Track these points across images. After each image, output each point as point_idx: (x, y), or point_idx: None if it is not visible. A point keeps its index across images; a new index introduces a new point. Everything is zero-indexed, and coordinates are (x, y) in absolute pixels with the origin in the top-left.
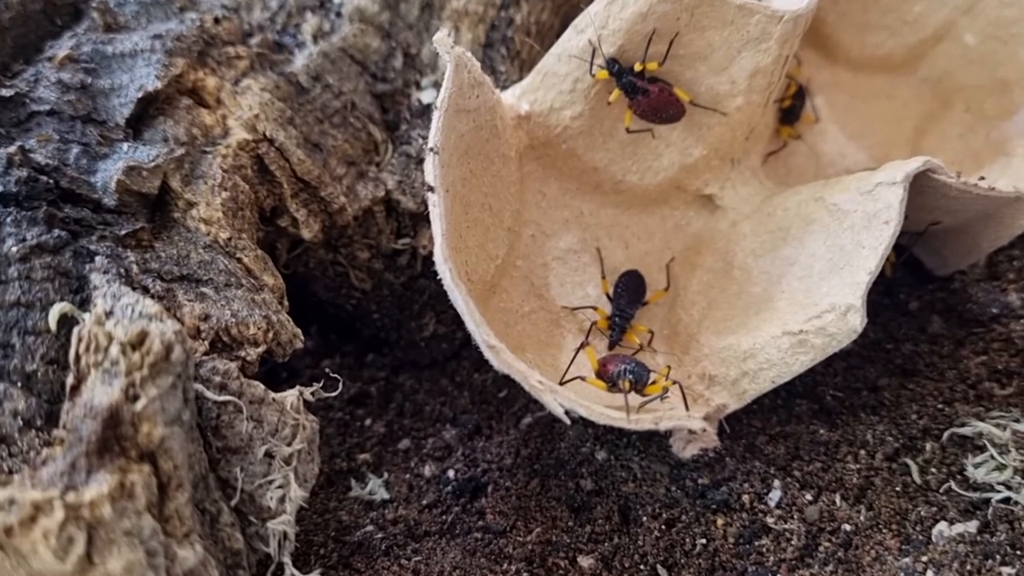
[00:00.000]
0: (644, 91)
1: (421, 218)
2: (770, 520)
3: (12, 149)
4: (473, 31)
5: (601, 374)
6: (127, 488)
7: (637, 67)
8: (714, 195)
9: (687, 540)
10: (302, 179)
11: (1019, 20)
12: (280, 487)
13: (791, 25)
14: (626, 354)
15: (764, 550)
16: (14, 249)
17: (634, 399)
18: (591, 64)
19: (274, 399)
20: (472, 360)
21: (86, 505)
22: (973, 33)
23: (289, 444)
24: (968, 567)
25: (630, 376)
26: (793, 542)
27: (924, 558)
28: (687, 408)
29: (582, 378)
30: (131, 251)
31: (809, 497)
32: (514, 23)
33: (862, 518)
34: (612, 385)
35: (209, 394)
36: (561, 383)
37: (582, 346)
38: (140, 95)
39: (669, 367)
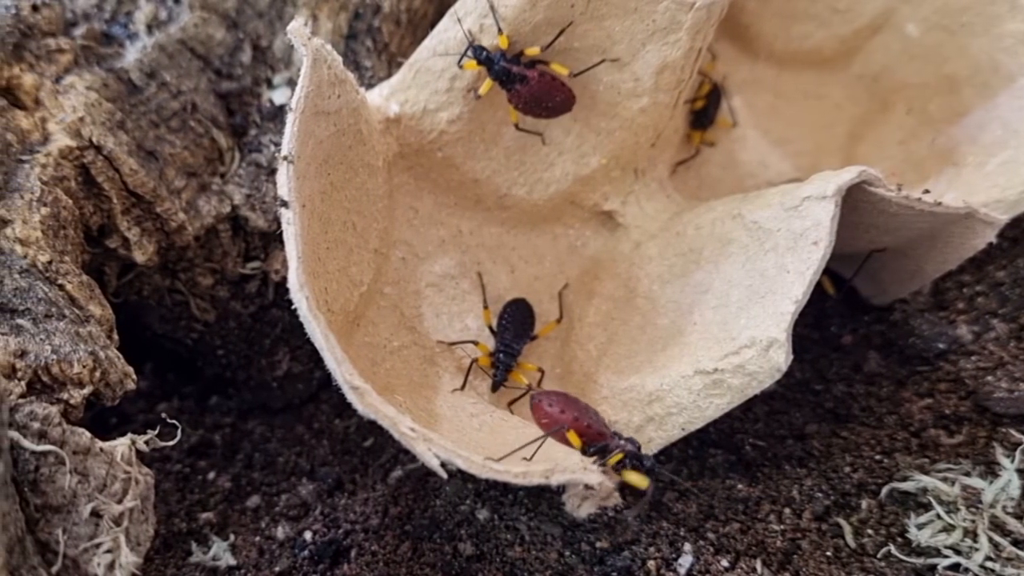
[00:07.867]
0: (521, 78)
1: (273, 238)
2: None
3: None
4: (334, 20)
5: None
6: None
7: (503, 43)
8: (615, 211)
9: None
10: (134, 192)
11: (969, 7)
12: (109, 551)
13: (704, 14)
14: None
15: None
16: None
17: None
18: (462, 56)
19: (102, 449)
20: (332, 404)
21: None
22: (916, 23)
23: (119, 501)
24: None
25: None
26: None
27: None
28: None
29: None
30: None
31: (725, 563)
32: (381, 11)
33: None
34: (601, 463)
35: (26, 443)
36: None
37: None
38: None
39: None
